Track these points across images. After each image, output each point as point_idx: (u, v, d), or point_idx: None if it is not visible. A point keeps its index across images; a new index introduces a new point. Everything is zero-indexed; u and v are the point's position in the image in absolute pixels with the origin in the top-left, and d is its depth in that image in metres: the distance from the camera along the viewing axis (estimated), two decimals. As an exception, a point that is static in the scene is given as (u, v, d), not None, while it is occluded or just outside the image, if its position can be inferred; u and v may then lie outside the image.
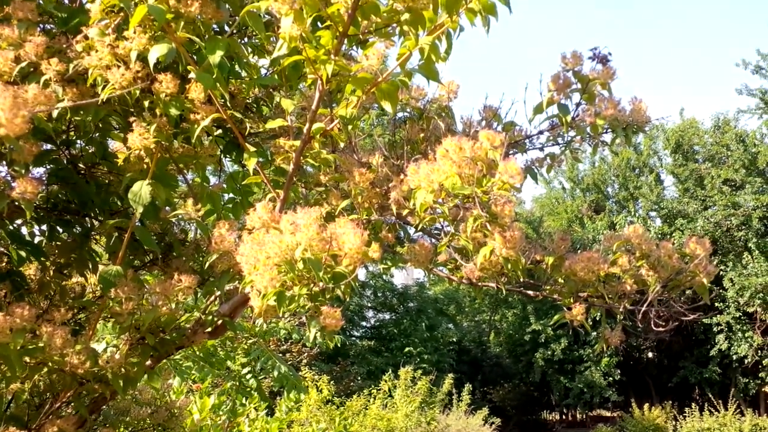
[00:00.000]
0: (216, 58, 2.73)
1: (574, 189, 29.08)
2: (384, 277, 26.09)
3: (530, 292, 3.21)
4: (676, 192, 24.90)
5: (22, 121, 1.98)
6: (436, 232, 3.25)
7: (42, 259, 3.57)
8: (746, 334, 21.98)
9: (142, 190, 2.99)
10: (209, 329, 3.42)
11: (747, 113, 23.12)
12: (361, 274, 23.78)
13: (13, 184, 2.78)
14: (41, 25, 3.28)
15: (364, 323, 27.20)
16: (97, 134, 3.69)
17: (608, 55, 3.04)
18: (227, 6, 3.17)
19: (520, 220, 27.98)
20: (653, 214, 25.10)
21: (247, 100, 3.94)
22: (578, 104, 3.19)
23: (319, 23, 3.09)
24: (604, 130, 3.34)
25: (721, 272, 21.82)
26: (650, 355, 26.68)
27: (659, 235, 22.75)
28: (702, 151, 24.52)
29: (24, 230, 3.69)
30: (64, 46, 2.97)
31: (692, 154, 24.63)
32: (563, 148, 3.48)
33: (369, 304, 27.09)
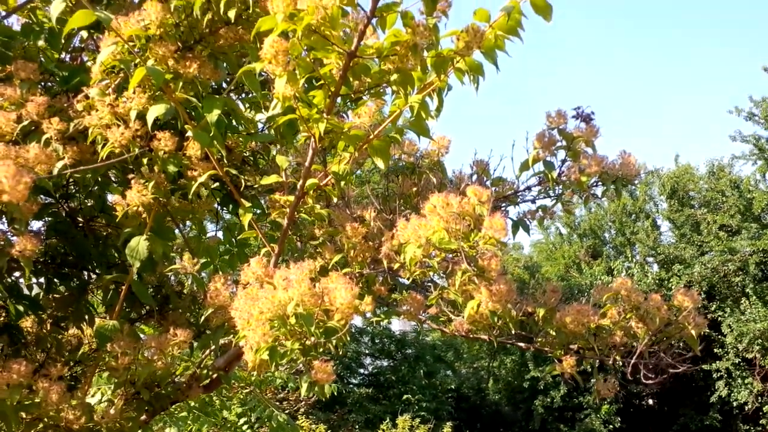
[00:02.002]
0: (213, 117, 2.81)
1: (571, 234, 29.11)
2: (381, 323, 25.92)
3: (522, 344, 3.24)
4: (673, 237, 24.93)
5: (24, 187, 2.06)
6: (427, 284, 3.30)
7: (39, 312, 3.60)
8: (746, 381, 21.78)
9: (139, 246, 3.05)
10: (204, 383, 3.44)
11: (741, 159, 23.27)
12: (359, 320, 23.66)
13: (13, 239, 2.84)
14: (43, 83, 3.37)
15: (361, 370, 26.93)
16: (96, 187, 3.75)
17: (591, 114, 3.14)
18: (224, 64, 3.27)
19: (518, 266, 27.99)
20: (650, 259, 25.10)
21: (244, 154, 4.02)
22: (563, 161, 3.28)
23: (312, 81, 3.19)
24: (595, 185, 3.41)
25: (720, 318, 21.73)
26: (650, 402, 26.41)
27: (657, 281, 22.73)
28: (697, 197, 24.64)
29: (21, 282, 3.73)
30: (65, 105, 3.06)
31: (688, 200, 24.75)
32: (554, 201, 3.55)
33: (366, 351, 26.85)
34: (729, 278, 22.28)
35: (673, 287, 22.18)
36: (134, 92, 2.86)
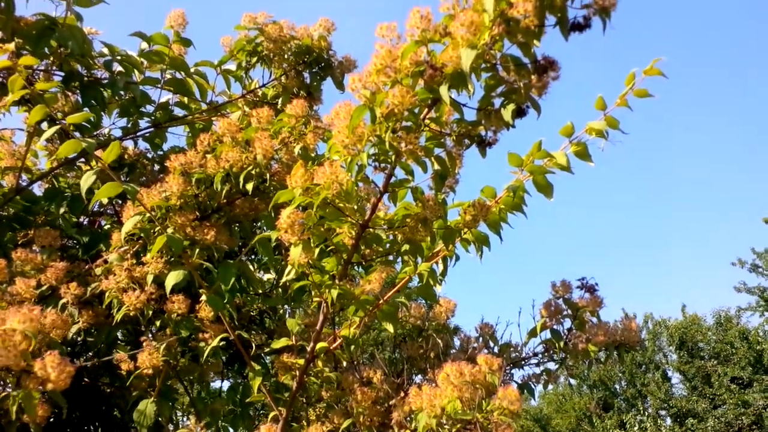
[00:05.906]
0: (229, 284, 2.89)
1: (581, 385, 28.47)
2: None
3: None
4: (684, 390, 24.39)
5: (67, 377, 2.15)
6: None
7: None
8: None
9: (147, 409, 3.04)
10: None
11: (748, 311, 23.18)
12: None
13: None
14: (62, 248, 3.48)
15: None
16: (102, 345, 3.78)
17: (595, 285, 3.22)
18: (238, 230, 3.39)
19: (527, 417, 27.18)
20: (663, 412, 24.41)
21: (252, 313, 4.07)
22: (570, 329, 3.33)
23: (323, 247, 3.29)
24: (597, 354, 3.43)
25: (739, 475, 20.87)
26: None
27: (671, 436, 22.04)
28: (707, 348, 24.33)
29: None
30: (84, 269, 3.16)
31: (697, 351, 24.42)
32: (558, 365, 3.56)
33: None
34: (744, 433, 21.57)
35: (688, 442, 21.47)
36: (152, 257, 2.96)
